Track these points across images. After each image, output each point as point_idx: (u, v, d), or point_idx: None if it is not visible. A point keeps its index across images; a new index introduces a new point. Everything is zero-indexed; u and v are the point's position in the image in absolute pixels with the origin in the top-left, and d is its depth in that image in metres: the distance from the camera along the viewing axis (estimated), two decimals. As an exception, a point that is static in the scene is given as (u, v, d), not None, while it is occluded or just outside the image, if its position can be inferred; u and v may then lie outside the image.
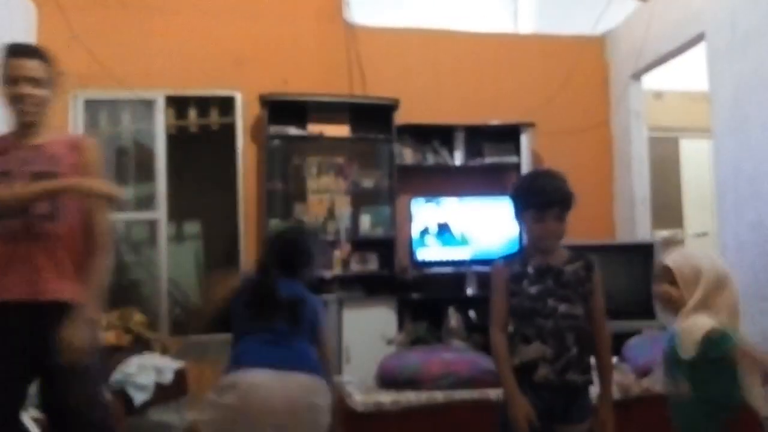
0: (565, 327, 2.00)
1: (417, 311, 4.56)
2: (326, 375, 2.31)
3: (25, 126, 2.12)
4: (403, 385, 2.84)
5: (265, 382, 2.15)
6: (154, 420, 3.54)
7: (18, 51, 2.11)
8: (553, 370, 1.99)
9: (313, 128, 4.63)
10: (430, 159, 4.84)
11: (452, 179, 4.97)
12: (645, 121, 5.01)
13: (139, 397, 3.36)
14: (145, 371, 3.45)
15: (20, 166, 2.07)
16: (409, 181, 4.76)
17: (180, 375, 3.83)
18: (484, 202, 4.79)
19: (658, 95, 5.58)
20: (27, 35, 4.35)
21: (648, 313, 3.93)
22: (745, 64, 3.58)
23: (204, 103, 4.81)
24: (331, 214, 4.62)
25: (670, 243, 5.30)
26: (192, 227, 5.55)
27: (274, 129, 4.56)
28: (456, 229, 4.72)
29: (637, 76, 4.92)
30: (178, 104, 4.77)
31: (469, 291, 4.69)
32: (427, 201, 4.72)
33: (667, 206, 5.68)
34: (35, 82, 2.08)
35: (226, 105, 4.80)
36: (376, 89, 4.83)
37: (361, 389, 2.87)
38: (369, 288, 4.54)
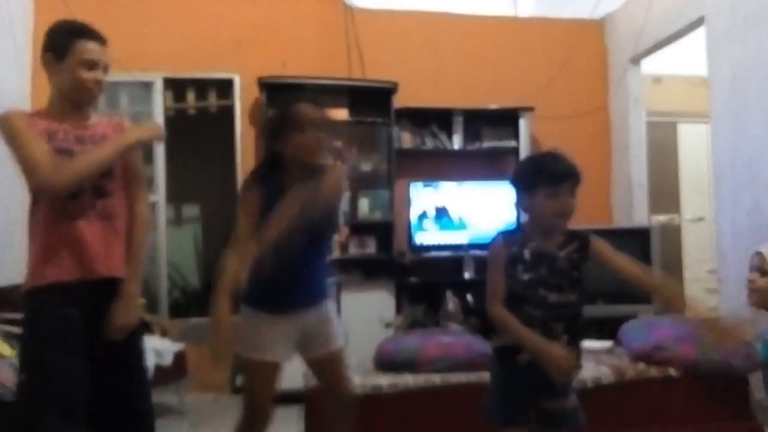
0: (554, 316, 2.00)
1: (415, 295, 4.59)
2: None
3: (81, 107, 2.10)
4: (400, 368, 2.86)
5: None
6: (154, 402, 3.56)
7: (94, 35, 2.08)
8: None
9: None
10: (429, 143, 4.84)
11: (451, 163, 4.98)
12: (643, 105, 5.01)
13: (139, 380, 3.38)
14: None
15: (78, 145, 2.05)
16: (407, 165, 4.77)
17: (180, 357, 3.87)
18: (483, 187, 4.80)
19: (657, 80, 5.57)
20: (24, 16, 4.33)
21: (643, 298, 3.96)
22: (744, 49, 3.57)
23: (202, 86, 4.79)
24: (329, 197, 4.63)
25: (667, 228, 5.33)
26: (191, 210, 5.55)
27: (272, 112, 4.54)
28: (454, 213, 4.73)
29: (636, 60, 4.91)
30: (176, 87, 4.75)
31: (467, 275, 4.71)
32: (426, 185, 4.73)
33: (665, 191, 5.69)
34: (106, 69, 2.10)
35: (224, 88, 4.78)
36: (375, 72, 4.81)
37: (359, 372, 2.90)
38: (367, 271, 4.56)
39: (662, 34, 4.45)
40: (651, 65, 5.01)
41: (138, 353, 2.16)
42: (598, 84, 5.24)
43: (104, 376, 2.03)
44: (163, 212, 4.62)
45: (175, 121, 4.71)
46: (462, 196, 4.75)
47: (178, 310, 4.75)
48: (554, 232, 2.04)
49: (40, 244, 2.01)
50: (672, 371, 2.87)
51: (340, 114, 4.66)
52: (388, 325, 4.17)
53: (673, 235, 5.71)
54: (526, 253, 2.03)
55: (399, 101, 4.68)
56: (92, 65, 2.04)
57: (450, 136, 4.85)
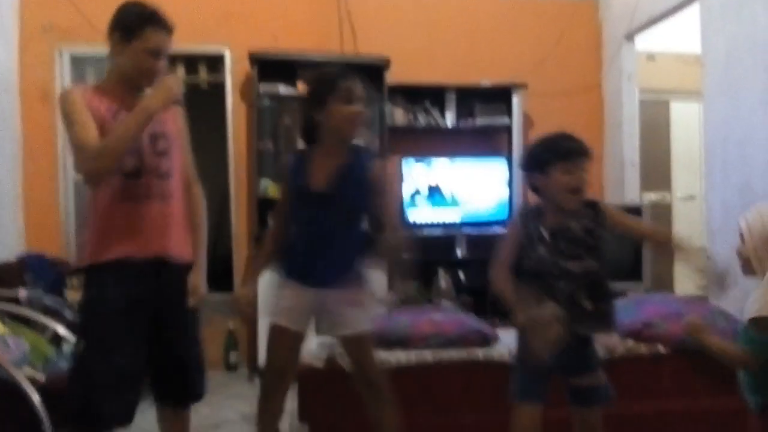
0: (576, 286, 2.05)
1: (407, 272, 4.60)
2: None
3: (140, 89, 2.11)
4: (393, 345, 2.88)
5: None
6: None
7: (164, 24, 2.08)
8: (566, 327, 2.03)
9: (304, 87, 4.58)
10: (421, 120, 4.81)
11: (443, 140, 4.96)
12: (636, 83, 4.99)
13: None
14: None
15: None
16: (399, 142, 4.74)
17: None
18: (475, 164, 4.80)
19: (651, 57, 5.54)
20: (9, -12, 4.25)
21: (634, 276, 3.99)
22: (738, 27, 3.55)
23: (192, 61, 4.73)
24: (321, 174, 4.61)
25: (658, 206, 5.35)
26: (182, 187, 5.51)
27: (264, 87, 4.50)
28: (447, 191, 4.72)
29: (630, 36, 4.88)
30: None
31: (459, 253, 4.72)
32: (418, 162, 4.71)
33: (656, 169, 5.71)
34: (167, 56, 2.12)
35: (214, 63, 4.72)
36: (368, 48, 4.76)
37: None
38: (359, 249, 4.55)
39: (657, 10, 4.42)
40: (645, 42, 4.98)
41: (195, 335, 2.29)
42: (591, 61, 5.21)
43: (164, 349, 2.16)
44: (154, 189, 4.58)
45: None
46: (454, 173, 4.74)
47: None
48: (569, 206, 2.09)
49: (102, 223, 2.08)
50: (661, 348, 2.90)
51: (333, 90, 4.62)
52: (380, 302, 4.17)
53: (664, 213, 5.73)
54: (544, 231, 2.10)
55: (391, 77, 4.63)
56: (157, 54, 2.06)
57: (443, 112, 4.83)
